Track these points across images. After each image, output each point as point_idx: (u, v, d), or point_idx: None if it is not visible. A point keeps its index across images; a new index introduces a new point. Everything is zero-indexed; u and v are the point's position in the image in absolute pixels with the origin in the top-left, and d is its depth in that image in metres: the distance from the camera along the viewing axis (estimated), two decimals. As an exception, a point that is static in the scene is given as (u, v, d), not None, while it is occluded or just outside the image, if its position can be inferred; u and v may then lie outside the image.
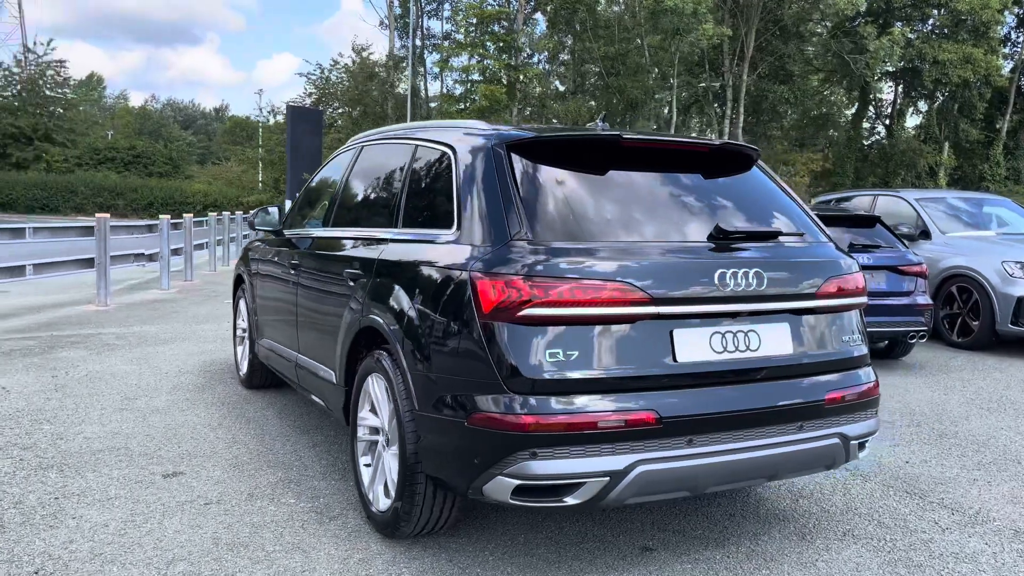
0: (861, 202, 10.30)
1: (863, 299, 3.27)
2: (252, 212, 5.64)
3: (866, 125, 41.76)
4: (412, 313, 3.07)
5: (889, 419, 5.34)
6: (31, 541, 3.13)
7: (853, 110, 40.44)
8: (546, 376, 2.63)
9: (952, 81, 33.20)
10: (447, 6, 42.33)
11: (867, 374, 3.23)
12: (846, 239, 7.12)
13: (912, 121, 41.33)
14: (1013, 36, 38.84)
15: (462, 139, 3.27)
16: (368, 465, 3.43)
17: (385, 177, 4.00)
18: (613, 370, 2.69)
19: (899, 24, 35.09)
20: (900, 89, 39.52)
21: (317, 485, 3.84)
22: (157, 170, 48.00)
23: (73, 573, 2.89)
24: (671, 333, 2.78)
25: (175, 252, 12.57)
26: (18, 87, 48.94)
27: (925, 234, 9.06)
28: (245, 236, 18.29)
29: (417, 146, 3.67)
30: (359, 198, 4.33)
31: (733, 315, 2.90)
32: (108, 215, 10.20)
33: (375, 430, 3.37)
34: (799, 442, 2.94)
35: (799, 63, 34.54)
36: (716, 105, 37.01)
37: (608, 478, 2.62)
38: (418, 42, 42.29)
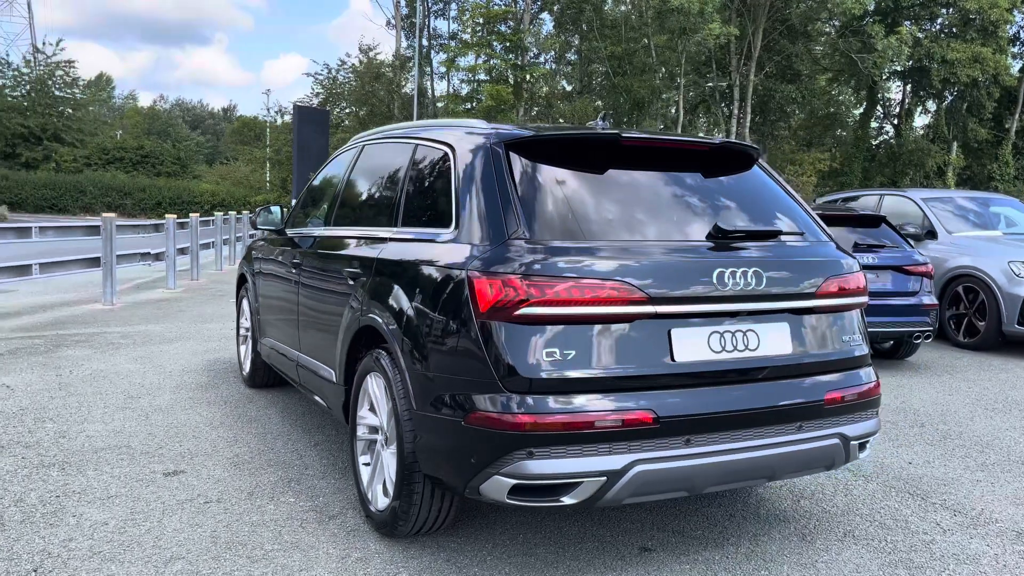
0: (867, 202, 10.25)
1: (864, 299, 3.25)
2: (255, 211, 5.64)
3: (874, 125, 41.53)
4: (411, 312, 3.06)
5: (893, 419, 5.31)
6: (31, 539, 3.14)
7: (861, 110, 40.23)
8: (543, 376, 2.62)
9: (961, 80, 33.00)
10: (454, 6, 42.39)
11: (868, 374, 3.21)
12: (851, 239, 7.09)
13: (920, 121, 41.21)
14: (1022, 35, 38.63)
15: (461, 138, 3.26)
16: (367, 464, 3.43)
17: (385, 176, 4.00)
18: (611, 370, 2.68)
19: (907, 23, 34.91)
20: (908, 88, 39.30)
21: (317, 484, 3.85)
22: (165, 170, 48.21)
23: (71, 571, 2.90)
24: (669, 333, 2.77)
25: (181, 252, 12.62)
26: (28, 87, 49.27)
27: (931, 234, 9.02)
28: (251, 235, 18.34)
29: (417, 145, 3.66)
30: (360, 197, 4.33)
31: (732, 315, 2.88)
32: (115, 215, 10.25)
33: (374, 429, 3.37)
34: (798, 442, 2.93)
35: (806, 63, 34.38)
36: (723, 105, 36.91)
37: (605, 478, 2.61)
38: (424, 42, 42.37)
